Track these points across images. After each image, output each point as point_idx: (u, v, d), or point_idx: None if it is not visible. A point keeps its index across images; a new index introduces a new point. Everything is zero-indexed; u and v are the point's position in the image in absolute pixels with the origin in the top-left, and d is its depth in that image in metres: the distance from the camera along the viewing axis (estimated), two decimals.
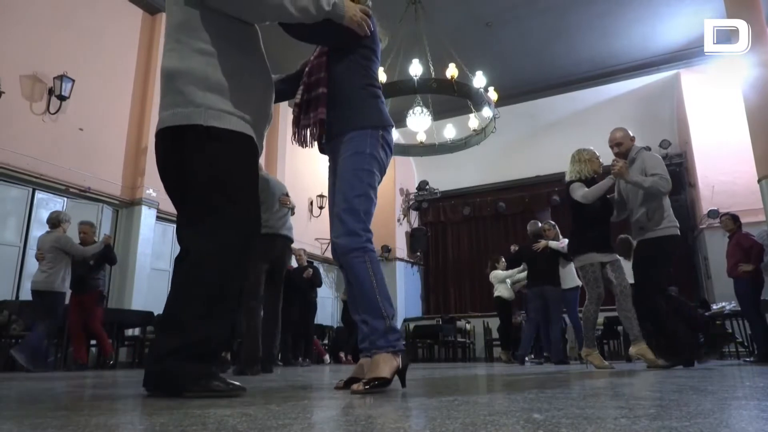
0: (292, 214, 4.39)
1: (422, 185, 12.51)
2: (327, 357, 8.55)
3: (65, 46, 6.68)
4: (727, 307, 6.65)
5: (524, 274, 6.98)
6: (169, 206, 7.14)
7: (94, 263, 5.60)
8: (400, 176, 12.20)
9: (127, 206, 7.28)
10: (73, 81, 6.49)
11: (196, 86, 1.64)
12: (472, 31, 8.61)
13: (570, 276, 5.98)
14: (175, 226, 1.80)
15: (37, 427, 0.90)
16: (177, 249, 1.73)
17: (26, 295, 5.54)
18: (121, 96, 7.41)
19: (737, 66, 6.21)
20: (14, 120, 6.08)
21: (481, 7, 8.12)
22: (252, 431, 0.83)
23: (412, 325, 10.35)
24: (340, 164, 1.88)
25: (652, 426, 0.85)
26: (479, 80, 6.03)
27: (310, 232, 10.32)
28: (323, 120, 1.92)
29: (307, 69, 2.04)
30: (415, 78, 5.67)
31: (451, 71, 5.73)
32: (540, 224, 6.50)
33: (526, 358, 6.65)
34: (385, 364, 1.69)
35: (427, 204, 12.51)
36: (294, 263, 7.51)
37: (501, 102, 7.08)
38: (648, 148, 4.10)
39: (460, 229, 12.49)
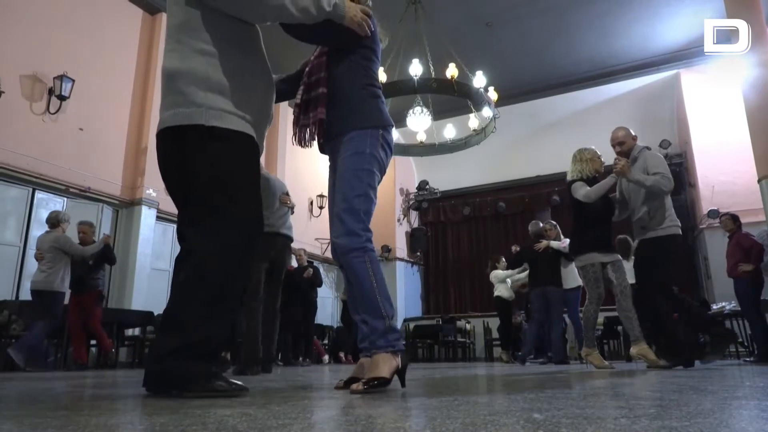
0: (292, 213, 4.39)
1: (422, 185, 12.51)
2: (326, 357, 8.55)
3: (65, 46, 6.68)
4: (727, 307, 6.65)
5: (524, 274, 6.98)
6: (169, 206, 7.16)
7: (93, 263, 5.60)
8: (400, 176, 12.20)
9: (127, 206, 7.28)
10: (73, 81, 6.50)
11: (197, 86, 1.64)
12: (472, 31, 8.61)
13: (572, 276, 5.98)
14: (175, 226, 1.81)
15: (37, 427, 0.90)
16: (177, 249, 1.73)
17: (26, 294, 5.54)
18: (121, 96, 7.41)
19: (737, 66, 6.21)
20: (14, 120, 6.08)
21: (481, 7, 8.12)
22: (252, 431, 0.83)
23: (412, 325, 10.35)
24: (340, 164, 1.88)
25: (652, 426, 0.85)
26: (479, 80, 6.03)
27: (310, 232, 10.32)
28: (323, 120, 1.92)
29: (307, 69, 2.04)
30: (415, 78, 5.67)
31: (451, 71, 5.73)
32: (541, 224, 6.50)
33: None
34: (385, 364, 1.69)
35: (427, 204, 12.51)
36: (294, 263, 7.52)
37: (501, 102, 7.08)
38: (648, 148, 4.09)
39: (460, 229, 12.49)
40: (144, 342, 6.79)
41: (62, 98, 6.44)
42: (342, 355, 8.94)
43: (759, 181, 5.71)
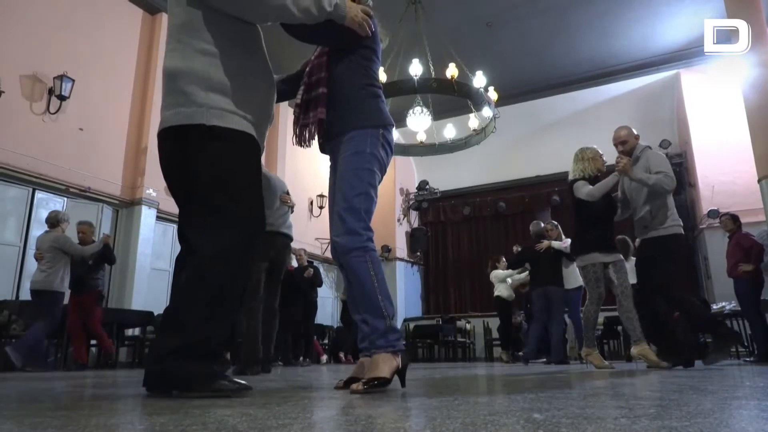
0: (292, 212, 4.40)
1: (422, 185, 12.51)
2: (324, 357, 8.53)
3: (65, 46, 6.68)
4: (727, 307, 6.65)
5: (524, 274, 6.98)
6: (169, 206, 7.16)
7: (92, 263, 5.60)
8: (400, 176, 12.21)
9: (127, 206, 7.28)
10: (73, 81, 6.50)
11: (199, 86, 1.64)
12: (472, 31, 8.61)
13: (573, 276, 5.98)
14: (175, 226, 1.81)
15: (37, 426, 0.90)
16: (177, 249, 1.73)
17: (26, 294, 5.54)
18: (121, 96, 7.41)
19: (737, 66, 6.20)
20: (14, 120, 6.08)
21: (481, 7, 8.12)
22: (252, 431, 0.83)
23: (412, 325, 10.35)
24: (341, 163, 1.88)
25: (652, 426, 0.85)
26: (479, 80, 6.03)
27: (310, 232, 10.32)
28: (322, 120, 1.92)
29: (307, 69, 2.05)
30: (415, 78, 5.66)
31: (451, 71, 5.73)
32: (543, 224, 6.50)
33: (521, 354, 6.65)
34: (385, 364, 1.69)
35: (427, 204, 12.51)
36: (294, 263, 7.52)
37: (501, 102, 7.07)
38: (650, 148, 4.10)
39: (460, 229, 12.49)
40: (144, 342, 6.79)
41: (62, 98, 6.44)
42: (342, 355, 8.94)
43: (759, 181, 5.71)
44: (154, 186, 7.27)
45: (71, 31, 6.79)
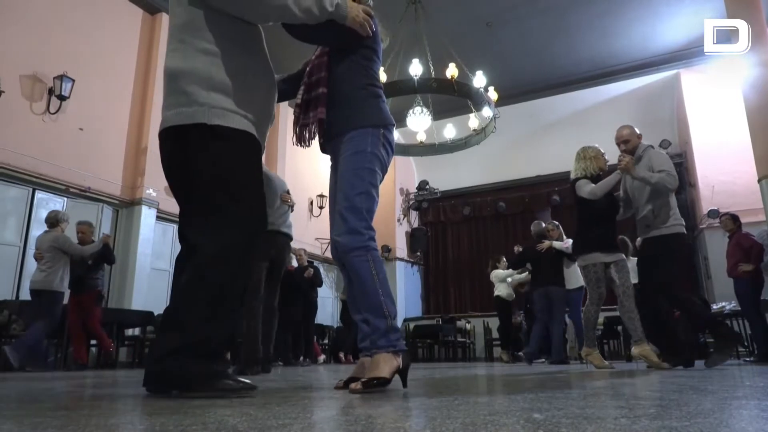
0: (291, 211, 4.41)
1: (422, 185, 12.51)
2: (322, 357, 8.51)
3: (65, 46, 6.68)
4: (727, 307, 6.65)
5: (524, 275, 6.98)
6: (169, 206, 7.17)
7: (92, 263, 5.59)
8: (400, 176, 12.21)
9: (127, 206, 7.28)
10: (73, 81, 6.50)
11: (200, 86, 1.64)
12: (472, 31, 8.61)
13: (574, 276, 5.97)
14: (175, 226, 1.81)
15: (37, 426, 0.90)
16: (177, 249, 1.73)
17: (26, 294, 5.54)
18: (121, 96, 7.41)
19: (737, 66, 6.20)
20: (14, 120, 6.08)
21: (481, 7, 8.12)
22: (252, 431, 0.83)
23: (412, 325, 10.35)
24: (342, 163, 1.88)
25: (652, 426, 0.84)
26: (479, 80, 6.03)
27: (310, 231, 10.33)
28: (322, 120, 1.92)
29: (308, 69, 2.05)
30: (415, 78, 5.67)
31: (451, 71, 5.73)
32: (544, 225, 6.50)
33: (521, 353, 6.65)
34: (386, 364, 1.69)
35: (427, 204, 12.51)
36: (294, 263, 7.52)
37: (501, 102, 7.08)
38: (653, 147, 4.10)
39: (460, 229, 12.49)
40: (144, 342, 6.79)
41: (62, 98, 6.44)
42: (342, 355, 8.93)
43: (759, 181, 5.71)
44: (154, 186, 7.27)
45: (71, 31, 6.79)
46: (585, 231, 4.15)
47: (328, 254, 9.64)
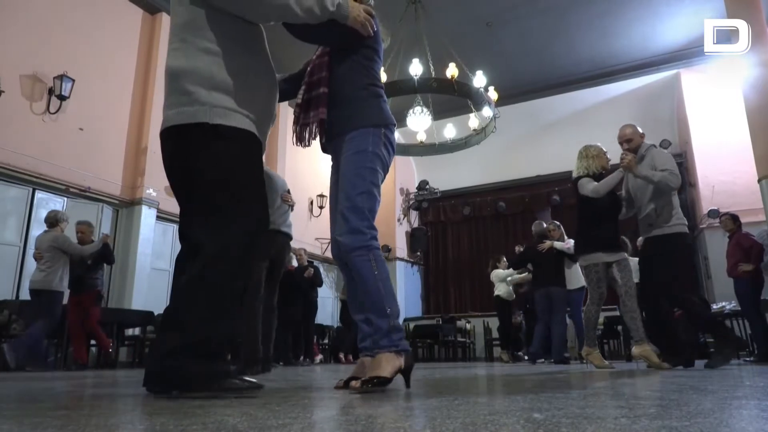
0: (291, 210, 4.41)
1: (422, 185, 12.51)
2: (320, 356, 8.49)
3: (65, 46, 6.68)
4: (727, 307, 6.65)
5: (524, 274, 6.98)
6: (169, 206, 7.16)
7: (92, 263, 5.59)
8: (400, 176, 12.21)
9: (127, 206, 7.28)
10: (73, 81, 6.50)
11: (202, 85, 1.64)
12: (472, 31, 8.61)
13: (576, 276, 5.97)
14: (175, 225, 1.81)
15: (37, 426, 0.90)
16: (177, 249, 1.73)
17: (26, 294, 5.54)
18: (121, 96, 7.41)
19: (737, 66, 6.21)
20: (14, 120, 6.08)
21: (481, 7, 8.12)
22: (252, 431, 0.83)
23: (412, 325, 10.35)
24: (343, 163, 1.88)
25: (652, 426, 0.84)
26: (479, 80, 6.03)
27: (310, 231, 10.32)
28: (323, 120, 1.92)
29: (309, 69, 2.04)
30: (415, 77, 5.67)
31: (451, 71, 5.73)
32: (545, 225, 6.50)
33: (521, 353, 6.65)
34: (387, 364, 1.68)
35: (427, 204, 12.52)
36: (295, 263, 7.51)
37: (501, 102, 7.08)
38: (655, 146, 4.10)
39: (460, 229, 12.50)
40: (144, 342, 6.79)
41: (62, 98, 6.44)
42: (342, 355, 8.93)
43: (759, 181, 5.71)
44: (155, 186, 7.27)
45: (71, 31, 6.79)
46: (587, 230, 4.14)
47: (328, 254, 9.64)
